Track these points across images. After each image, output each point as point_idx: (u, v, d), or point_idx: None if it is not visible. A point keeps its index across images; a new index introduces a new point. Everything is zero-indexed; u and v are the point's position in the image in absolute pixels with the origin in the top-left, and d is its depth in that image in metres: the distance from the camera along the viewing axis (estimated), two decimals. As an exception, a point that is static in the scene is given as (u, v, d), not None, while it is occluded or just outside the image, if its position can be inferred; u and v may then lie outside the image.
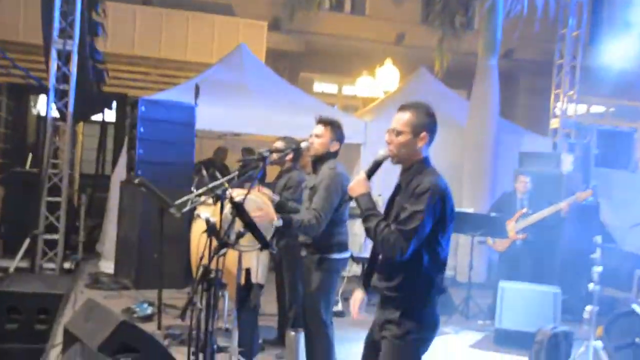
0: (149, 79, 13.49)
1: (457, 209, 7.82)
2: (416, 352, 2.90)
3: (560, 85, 10.08)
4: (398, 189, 3.06)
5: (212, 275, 3.60)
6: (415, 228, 2.81)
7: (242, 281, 4.71)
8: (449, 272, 9.83)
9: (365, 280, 3.23)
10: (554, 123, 10.07)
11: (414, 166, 2.99)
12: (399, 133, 2.99)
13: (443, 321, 6.95)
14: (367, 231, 2.93)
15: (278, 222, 4.15)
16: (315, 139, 4.40)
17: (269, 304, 6.22)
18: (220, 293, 4.19)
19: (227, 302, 5.46)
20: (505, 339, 6.42)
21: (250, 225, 3.58)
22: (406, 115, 3.00)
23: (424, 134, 2.98)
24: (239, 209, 3.57)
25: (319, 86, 16.52)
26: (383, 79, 12.44)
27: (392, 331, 2.91)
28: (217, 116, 8.76)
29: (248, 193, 3.97)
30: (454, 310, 7.52)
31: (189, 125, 8.28)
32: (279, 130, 8.45)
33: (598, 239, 5.46)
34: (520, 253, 7.38)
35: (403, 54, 13.19)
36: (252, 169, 4.78)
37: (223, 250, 3.54)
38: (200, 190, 4.88)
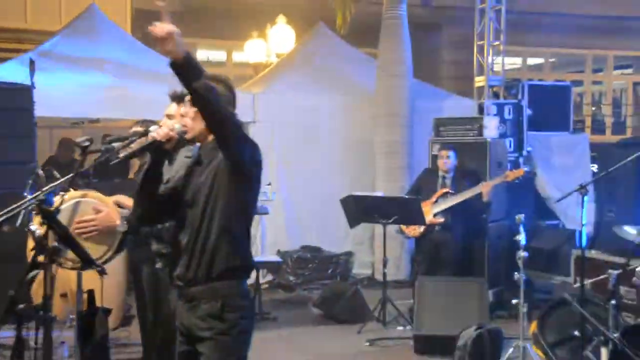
0: (-19, 56, 12.94)
1: (361, 194, 7.88)
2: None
3: (483, 36, 10.24)
4: (195, 164, 3.36)
5: (22, 306, 3.42)
6: None
7: (84, 306, 4.59)
8: (365, 271, 9.91)
9: None
10: (480, 81, 10.25)
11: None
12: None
13: (355, 330, 7.21)
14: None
15: (122, 226, 4.07)
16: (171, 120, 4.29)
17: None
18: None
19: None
20: (425, 347, 6.50)
21: (66, 238, 3.45)
22: None
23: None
24: (48, 217, 3.43)
25: (204, 53, 16.28)
26: (275, 41, 12.32)
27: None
28: (64, 98, 8.52)
29: (63, 193, 3.81)
30: (369, 317, 7.57)
31: (24, 112, 7.94)
32: (149, 111, 8.25)
33: (519, 218, 5.57)
34: (441, 241, 7.48)
35: (300, 9, 13.10)
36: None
37: (33, 273, 3.39)
38: (34, 195, 4.70)
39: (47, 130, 10.87)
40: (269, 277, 9.61)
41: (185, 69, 2.91)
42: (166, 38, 2.86)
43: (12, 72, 8.49)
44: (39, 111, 7.97)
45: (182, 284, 3.29)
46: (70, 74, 8.85)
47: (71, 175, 3.71)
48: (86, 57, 9.29)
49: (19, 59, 9.25)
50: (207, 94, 2.98)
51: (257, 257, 8.78)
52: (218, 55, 16.34)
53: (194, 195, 3.26)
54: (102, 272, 3.61)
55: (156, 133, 3.19)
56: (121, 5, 13.22)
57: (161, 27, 2.87)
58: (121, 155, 3.18)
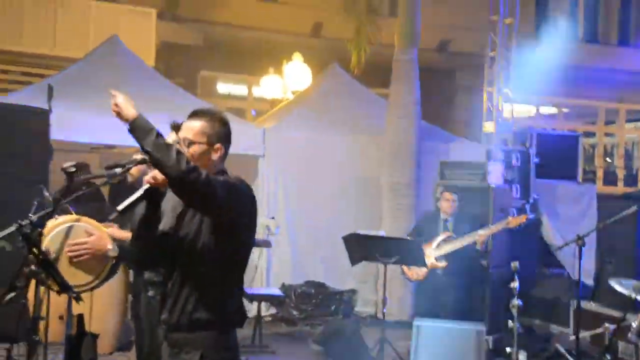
0: (8, 78, 13.04)
1: (364, 233, 7.73)
2: None
3: (493, 83, 10.16)
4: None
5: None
6: None
7: (74, 330, 4.50)
8: (368, 309, 9.71)
9: None
10: (488, 127, 10.14)
11: None
12: (191, 143, 3.08)
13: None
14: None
15: (113, 250, 4.01)
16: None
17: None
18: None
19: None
20: (420, 392, 6.30)
21: (44, 262, 3.37)
22: (199, 123, 3.11)
23: (218, 145, 3.12)
24: (29, 241, 3.35)
25: (224, 87, 16.31)
26: (292, 78, 12.32)
27: None
28: (83, 124, 8.53)
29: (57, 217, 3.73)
30: (367, 357, 7.36)
31: (40, 135, 7.92)
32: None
33: (515, 265, 5.39)
34: (441, 285, 7.29)
35: (316, 49, 13.12)
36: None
37: (9, 296, 3.31)
38: (35, 216, 4.64)
39: (65, 154, 10.88)
40: (273, 310, 9.45)
41: (135, 130, 2.87)
42: (118, 109, 2.89)
43: (33, 96, 8.51)
44: (57, 135, 7.97)
45: (165, 327, 3.13)
46: (88, 101, 8.83)
47: (57, 201, 3.63)
48: (104, 84, 9.26)
49: (39, 84, 9.29)
50: (157, 154, 2.83)
51: (261, 289, 8.65)
52: (239, 89, 16.37)
53: (182, 240, 3.07)
54: (77, 299, 3.51)
55: (153, 179, 3.02)
56: (146, 37, 13.31)
57: (114, 106, 2.91)
58: (119, 208, 3.04)
